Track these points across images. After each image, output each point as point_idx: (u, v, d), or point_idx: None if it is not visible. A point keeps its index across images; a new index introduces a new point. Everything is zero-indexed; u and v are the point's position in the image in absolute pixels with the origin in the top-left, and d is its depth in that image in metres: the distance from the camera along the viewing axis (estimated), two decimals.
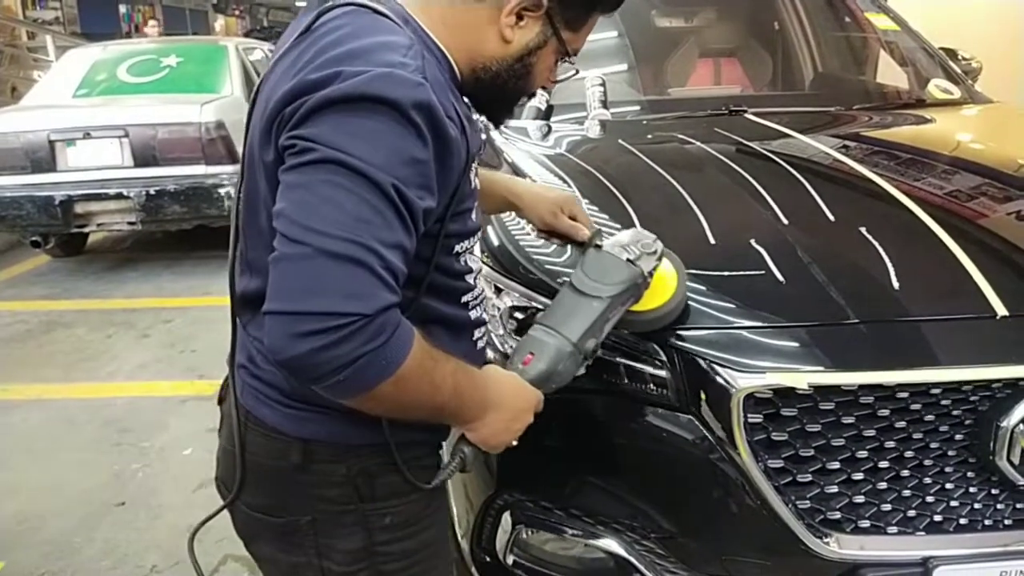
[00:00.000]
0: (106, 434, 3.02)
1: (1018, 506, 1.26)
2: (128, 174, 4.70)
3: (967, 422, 1.21)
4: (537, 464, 1.41)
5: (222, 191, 4.64)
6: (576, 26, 1.02)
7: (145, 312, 4.38)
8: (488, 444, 1.01)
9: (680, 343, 1.25)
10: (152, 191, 4.65)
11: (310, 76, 0.84)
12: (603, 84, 2.26)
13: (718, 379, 1.21)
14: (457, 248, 1.01)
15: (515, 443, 1.04)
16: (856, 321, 1.22)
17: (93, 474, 2.73)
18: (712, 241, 1.42)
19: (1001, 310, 1.22)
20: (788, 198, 1.54)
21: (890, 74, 2.82)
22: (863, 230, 1.39)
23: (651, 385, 1.29)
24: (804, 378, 1.17)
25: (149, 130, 4.68)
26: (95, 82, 5.37)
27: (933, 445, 1.22)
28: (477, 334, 1.09)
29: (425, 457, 1.06)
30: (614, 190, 1.65)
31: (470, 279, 1.07)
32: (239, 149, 4.92)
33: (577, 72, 1.11)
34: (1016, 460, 1.20)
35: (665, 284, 1.22)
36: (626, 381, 1.31)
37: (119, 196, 4.68)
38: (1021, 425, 1.18)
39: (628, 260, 1.14)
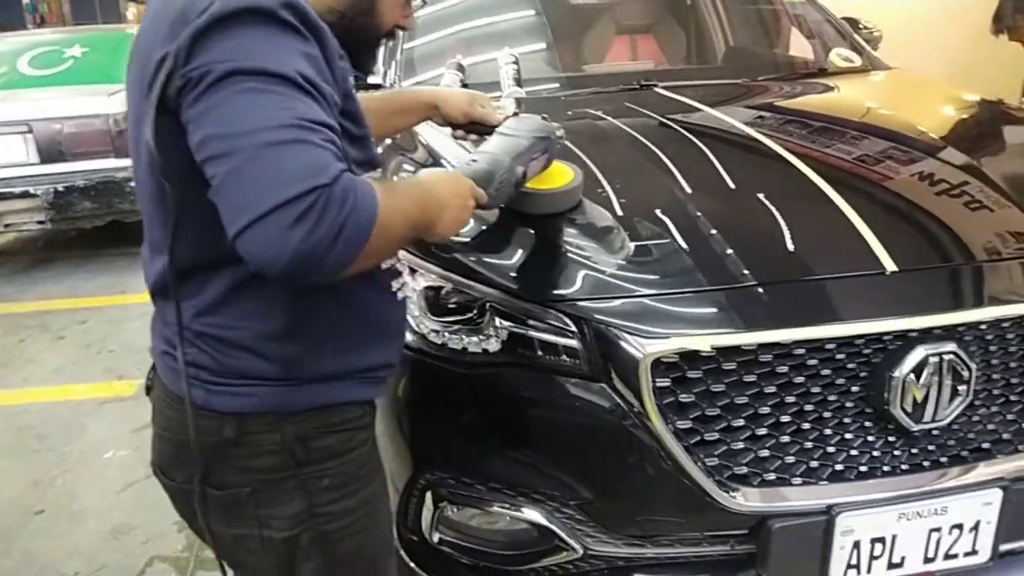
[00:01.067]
0: (23, 441, 2.91)
1: (913, 451, 1.33)
2: (34, 171, 4.49)
3: (862, 374, 1.27)
4: (456, 442, 1.42)
5: (135, 184, 4.47)
6: None
7: (59, 314, 4.21)
8: (450, 234, 1.07)
9: (588, 313, 1.27)
10: (61, 188, 4.47)
11: (175, 21, 0.85)
12: (516, 62, 2.25)
13: (626, 346, 1.23)
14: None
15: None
16: (754, 283, 1.26)
17: (10, 483, 2.63)
18: (619, 212, 1.45)
19: (890, 266, 1.28)
20: (691, 168, 1.57)
21: (796, 45, 2.91)
22: (761, 196, 1.43)
23: (563, 356, 1.30)
24: (707, 341, 1.21)
25: (54, 124, 4.48)
26: None
27: (831, 398, 1.27)
28: (395, 285, 1.11)
29: (362, 417, 1.09)
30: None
31: None
32: None
33: (424, 3, 1.15)
34: (909, 408, 1.26)
35: (564, 172, 1.41)
36: (539, 353, 1.32)
37: (25, 195, 4.47)
38: (912, 375, 1.24)
39: (543, 117, 1.35)
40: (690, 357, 1.22)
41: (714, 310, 1.27)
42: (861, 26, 3.00)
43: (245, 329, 0.97)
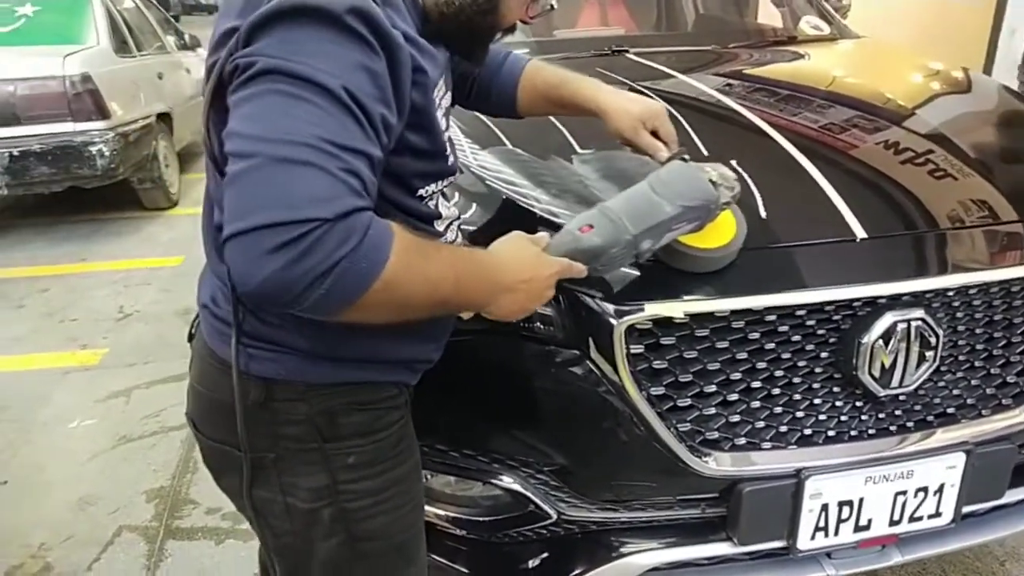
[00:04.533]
0: None
1: (880, 416, 1.35)
2: None
3: (831, 340, 1.28)
4: (431, 409, 1.41)
5: (93, 149, 4.35)
6: None
7: (18, 281, 4.11)
8: (512, 318, 1.02)
9: (564, 281, 1.27)
10: (15, 152, 4.32)
11: (244, 4, 0.83)
12: None
13: (601, 314, 1.23)
14: (421, 191, 1.00)
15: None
16: None
17: None
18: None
19: (860, 233, 1.29)
20: None
21: (765, 13, 2.91)
22: (734, 163, 1.43)
23: (539, 323, 1.30)
24: (680, 307, 1.21)
25: (7, 86, 4.32)
26: None
27: (801, 363, 1.28)
28: None
29: (396, 397, 1.07)
30: (497, 132, 1.65)
31: (440, 225, 1.07)
32: (111, 104, 4.64)
33: (552, 8, 1.11)
34: (877, 373, 1.28)
35: (728, 227, 1.23)
36: (515, 320, 1.32)
37: None
38: (880, 341, 1.26)
39: (711, 180, 1.15)
40: (664, 324, 1.22)
41: (687, 277, 1.27)
42: None
43: None
